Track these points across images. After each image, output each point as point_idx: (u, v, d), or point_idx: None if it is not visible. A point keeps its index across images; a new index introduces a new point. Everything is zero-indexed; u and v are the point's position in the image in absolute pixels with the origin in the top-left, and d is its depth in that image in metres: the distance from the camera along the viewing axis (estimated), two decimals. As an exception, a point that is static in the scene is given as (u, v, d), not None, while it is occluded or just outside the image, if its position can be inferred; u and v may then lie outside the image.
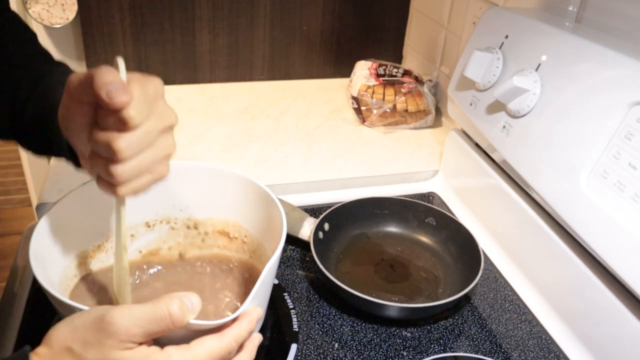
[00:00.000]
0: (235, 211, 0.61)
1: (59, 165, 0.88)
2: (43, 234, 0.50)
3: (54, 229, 0.52)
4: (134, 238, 0.61)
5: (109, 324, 0.38)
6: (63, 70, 0.55)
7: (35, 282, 0.65)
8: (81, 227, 0.56)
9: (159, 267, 0.62)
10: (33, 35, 0.60)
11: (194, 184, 0.61)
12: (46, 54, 0.59)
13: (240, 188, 0.60)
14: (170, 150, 0.45)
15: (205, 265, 0.63)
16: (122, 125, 0.40)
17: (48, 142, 0.53)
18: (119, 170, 0.42)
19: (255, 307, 0.44)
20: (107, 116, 0.40)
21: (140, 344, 0.39)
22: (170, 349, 0.40)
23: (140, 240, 0.62)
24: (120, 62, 0.41)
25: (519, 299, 0.71)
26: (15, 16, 0.60)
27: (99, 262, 0.58)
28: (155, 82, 0.43)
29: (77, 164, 0.52)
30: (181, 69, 1.17)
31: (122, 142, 0.40)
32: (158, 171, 0.45)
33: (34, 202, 1.46)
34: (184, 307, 0.39)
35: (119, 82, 0.39)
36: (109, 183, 0.43)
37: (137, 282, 0.60)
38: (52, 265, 0.51)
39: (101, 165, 0.42)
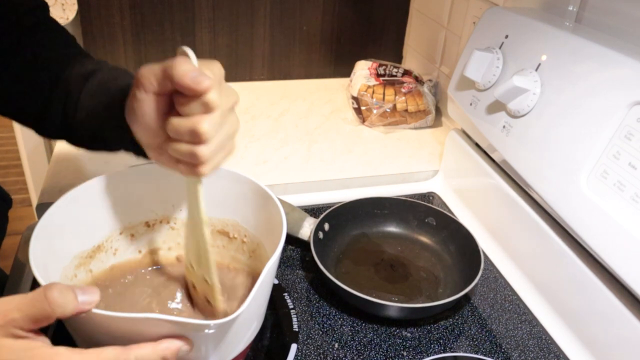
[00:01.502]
0: (234, 211, 0.61)
1: (59, 165, 0.88)
2: (43, 234, 0.50)
3: (53, 229, 0.52)
4: (133, 238, 0.61)
5: None
6: (108, 67, 0.58)
7: (35, 282, 0.65)
8: (80, 227, 0.56)
9: (159, 267, 0.62)
10: (74, 39, 0.63)
11: None
12: (88, 55, 0.61)
13: (240, 187, 0.60)
14: (236, 126, 0.49)
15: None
16: (205, 109, 0.43)
17: (103, 139, 0.56)
18: (205, 150, 0.44)
19: (181, 341, 0.42)
20: (189, 102, 0.43)
21: (30, 332, 0.39)
22: (61, 348, 0.39)
23: (140, 240, 0.62)
24: (189, 50, 0.44)
25: (519, 299, 0.71)
26: (56, 22, 0.62)
27: (99, 263, 0.58)
28: (217, 64, 0.46)
29: (137, 153, 0.55)
30: (181, 69, 1.17)
31: (206, 124, 0.43)
32: (229, 147, 0.48)
33: (34, 202, 1.46)
34: (68, 294, 0.39)
35: (198, 69, 0.42)
36: (190, 164, 0.45)
37: (131, 280, 0.60)
38: (52, 266, 0.51)
39: (184, 149, 0.44)
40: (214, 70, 0.44)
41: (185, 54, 0.44)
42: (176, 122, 0.44)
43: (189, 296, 0.58)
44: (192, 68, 0.42)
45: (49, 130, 0.59)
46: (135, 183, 0.59)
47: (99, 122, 0.54)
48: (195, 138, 0.43)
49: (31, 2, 0.60)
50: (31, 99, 0.57)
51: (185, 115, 0.43)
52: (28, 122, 0.60)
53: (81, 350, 0.39)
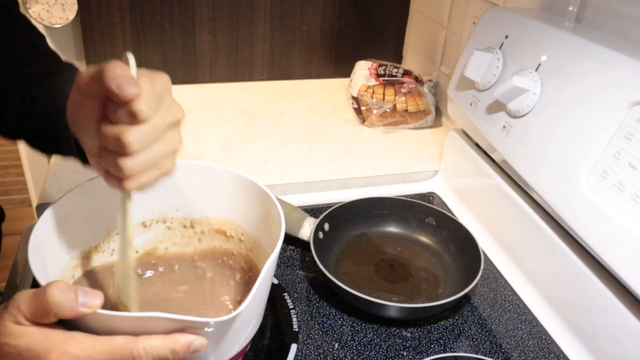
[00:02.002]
0: (231, 209, 0.61)
1: (59, 165, 0.88)
2: (41, 235, 0.50)
3: (51, 229, 0.52)
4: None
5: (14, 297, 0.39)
6: (70, 69, 0.56)
7: (35, 282, 0.65)
8: (78, 227, 0.56)
9: (158, 268, 0.62)
10: (41, 37, 0.61)
11: (190, 182, 0.61)
12: (54, 55, 0.59)
13: (236, 186, 0.60)
14: (177, 145, 0.46)
15: (203, 264, 0.63)
16: (132, 119, 0.41)
17: (56, 141, 0.54)
18: (128, 163, 0.42)
19: (194, 335, 0.42)
20: (117, 110, 0.41)
21: (35, 325, 0.39)
22: (74, 332, 0.39)
23: (136, 240, 0.62)
24: (131, 57, 0.42)
25: (519, 299, 0.71)
26: (24, 18, 0.61)
27: (97, 263, 0.58)
28: (163, 77, 0.44)
29: (84, 161, 0.53)
30: (181, 69, 1.17)
31: (132, 135, 0.41)
32: (165, 166, 0.46)
33: (34, 202, 1.46)
34: (68, 294, 0.39)
35: (129, 75, 0.40)
36: (117, 177, 0.44)
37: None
38: (51, 266, 0.51)
39: (110, 160, 0.43)
40: (155, 82, 0.42)
41: (127, 60, 0.42)
42: (104, 128, 0.42)
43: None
44: (123, 74, 0.40)
45: (6, 130, 0.57)
46: None
47: (51, 124, 0.52)
48: (120, 148, 0.41)
49: None
50: None
51: (114, 123, 0.41)
52: None
53: (92, 335, 0.40)
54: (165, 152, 0.45)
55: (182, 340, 0.41)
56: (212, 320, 0.42)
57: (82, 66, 1.14)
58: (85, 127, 0.44)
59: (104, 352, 0.39)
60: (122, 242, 0.49)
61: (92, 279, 0.57)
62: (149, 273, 0.62)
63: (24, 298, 0.39)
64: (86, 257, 0.57)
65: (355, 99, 1.07)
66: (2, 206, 0.76)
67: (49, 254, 0.51)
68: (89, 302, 0.39)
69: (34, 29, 0.61)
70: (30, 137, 0.57)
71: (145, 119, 0.41)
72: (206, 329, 0.43)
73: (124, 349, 0.39)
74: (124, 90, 0.39)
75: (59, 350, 0.38)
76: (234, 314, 0.42)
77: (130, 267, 0.49)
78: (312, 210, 0.82)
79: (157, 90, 0.42)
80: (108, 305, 0.55)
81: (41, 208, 0.78)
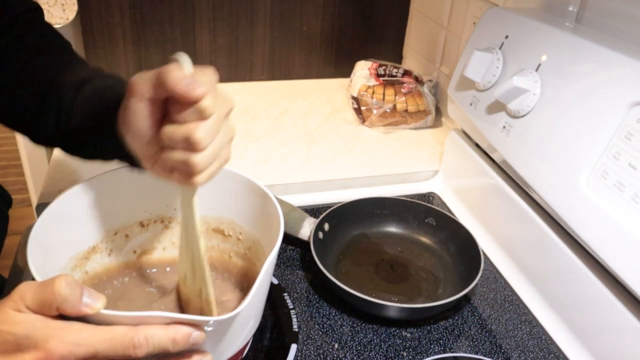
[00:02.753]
0: (229, 209, 0.61)
1: (58, 165, 0.88)
2: (40, 236, 0.50)
3: (50, 229, 0.52)
4: (128, 238, 0.61)
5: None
6: (103, 74, 0.57)
7: (35, 282, 0.65)
8: (76, 228, 0.56)
9: (156, 268, 0.62)
10: (68, 44, 0.62)
11: None
12: (83, 62, 0.60)
13: (234, 185, 0.60)
14: (232, 133, 0.48)
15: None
16: (200, 116, 0.42)
17: (97, 147, 0.55)
18: (200, 159, 0.43)
19: (197, 329, 0.42)
20: (183, 110, 0.42)
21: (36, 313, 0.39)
22: (75, 322, 0.39)
23: (134, 240, 0.62)
24: (185, 57, 0.43)
25: (518, 299, 0.71)
26: (51, 27, 0.62)
27: (94, 264, 0.58)
28: (211, 71, 0.45)
29: (132, 164, 0.54)
30: (181, 69, 1.17)
31: (201, 132, 0.42)
32: (225, 155, 0.48)
33: (34, 202, 1.46)
34: (75, 290, 0.39)
35: (191, 76, 0.42)
36: (186, 174, 0.45)
37: (124, 281, 0.60)
38: (49, 266, 0.51)
39: (178, 158, 0.44)
40: (208, 76, 0.44)
41: (177, 61, 0.43)
42: (170, 129, 0.43)
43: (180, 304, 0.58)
44: (185, 75, 0.41)
45: (42, 138, 0.58)
46: (129, 183, 0.58)
47: (92, 131, 0.53)
48: (190, 146, 0.43)
49: (25, 4, 0.60)
50: (24, 105, 0.56)
51: (179, 123, 0.43)
52: (21, 128, 0.59)
53: (92, 325, 0.40)
54: (225, 141, 0.46)
55: (182, 330, 0.41)
56: (211, 318, 0.42)
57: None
58: (139, 132, 0.45)
59: (104, 341, 0.39)
60: (193, 238, 0.49)
61: (90, 280, 0.57)
62: (147, 273, 0.62)
63: (29, 287, 0.40)
64: (84, 258, 0.57)
65: (355, 99, 1.07)
66: (7, 191, 0.76)
67: (48, 254, 0.51)
68: (92, 304, 0.40)
69: (60, 36, 0.62)
70: (67, 145, 0.58)
71: (211, 115, 0.43)
72: (206, 327, 0.43)
73: (124, 338, 0.39)
74: (193, 92, 0.41)
75: (58, 338, 0.38)
76: (233, 313, 0.42)
77: (205, 260, 0.50)
78: (312, 210, 0.82)
79: (211, 83, 0.44)
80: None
81: (41, 208, 0.78)
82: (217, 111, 0.44)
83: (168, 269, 0.63)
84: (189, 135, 0.42)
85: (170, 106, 0.43)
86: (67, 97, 0.54)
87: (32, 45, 0.58)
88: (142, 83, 0.43)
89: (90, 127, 0.53)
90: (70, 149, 0.58)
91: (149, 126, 0.44)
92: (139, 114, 0.44)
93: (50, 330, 0.38)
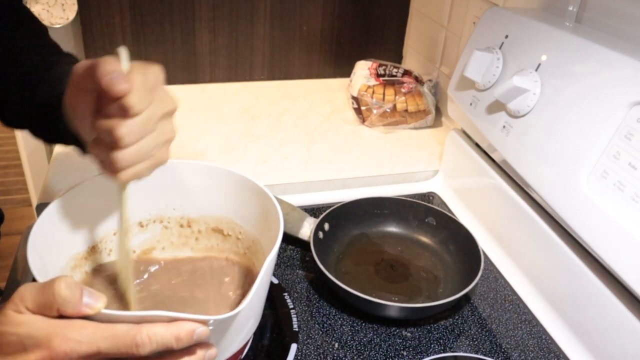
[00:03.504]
0: (229, 208, 0.61)
1: (59, 165, 0.88)
2: (40, 234, 0.50)
3: (50, 228, 0.52)
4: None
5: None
6: (70, 60, 0.57)
7: (34, 282, 0.65)
8: (76, 228, 0.56)
9: (155, 268, 0.62)
10: (43, 29, 0.62)
11: (186, 182, 0.61)
12: (55, 46, 0.61)
13: (233, 184, 0.60)
14: (170, 135, 0.47)
15: (200, 263, 0.63)
16: (124, 113, 0.42)
17: (57, 130, 0.55)
18: (121, 156, 0.43)
19: (200, 325, 0.42)
20: (110, 104, 0.42)
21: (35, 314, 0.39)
22: (77, 320, 0.39)
23: (133, 240, 0.62)
24: (123, 51, 0.43)
25: (519, 298, 0.71)
26: (27, 10, 0.62)
27: (95, 264, 0.58)
28: (155, 69, 0.44)
29: (84, 151, 0.55)
30: (181, 69, 1.17)
31: (124, 128, 0.42)
32: (159, 156, 0.47)
33: (34, 202, 1.46)
34: (75, 291, 0.39)
35: (120, 71, 0.41)
36: (111, 168, 0.45)
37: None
38: (50, 265, 0.51)
39: (104, 151, 0.44)
40: (147, 75, 0.43)
41: (117, 54, 0.43)
42: (98, 122, 0.43)
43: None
44: (114, 69, 0.41)
45: (9, 119, 0.59)
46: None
47: (52, 114, 0.54)
48: (113, 141, 0.42)
49: None
50: None
51: (108, 117, 0.43)
52: None
53: (94, 322, 0.40)
54: (159, 142, 0.46)
55: (185, 327, 0.41)
56: (212, 317, 0.42)
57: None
58: (82, 119, 0.45)
59: (106, 338, 0.39)
60: (120, 232, 0.50)
61: (90, 279, 0.57)
62: (147, 273, 0.62)
63: (29, 289, 0.40)
64: (83, 258, 0.57)
65: (355, 98, 1.07)
66: (0, 208, 0.76)
67: (48, 254, 0.51)
68: (92, 304, 0.40)
69: (36, 20, 0.62)
70: (32, 127, 0.58)
71: (137, 113, 0.42)
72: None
73: (127, 336, 0.39)
74: (114, 87, 0.40)
75: (61, 336, 0.38)
76: (234, 311, 0.43)
77: (129, 255, 0.50)
78: (312, 210, 0.82)
79: (149, 83, 0.43)
80: (113, 307, 0.55)
81: (41, 208, 0.78)
82: (149, 110, 0.43)
83: (166, 269, 0.63)
84: (111, 130, 0.42)
85: (101, 97, 0.43)
86: (33, 80, 0.55)
87: (4, 28, 0.58)
88: (80, 71, 0.43)
89: (50, 110, 0.54)
90: (35, 132, 0.59)
91: (88, 113, 0.44)
92: (78, 101, 0.44)
93: (52, 328, 0.38)
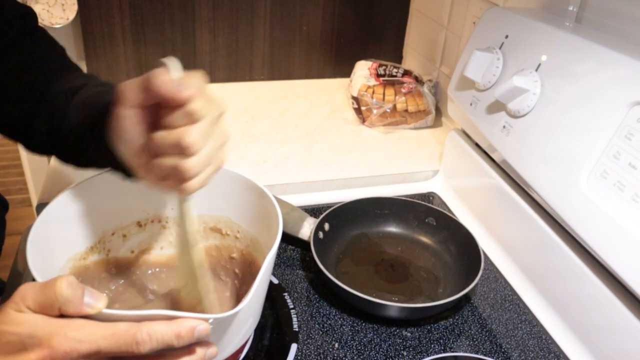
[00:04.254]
0: (226, 207, 0.61)
1: (59, 165, 0.88)
2: (39, 234, 0.50)
3: (49, 228, 0.52)
4: (125, 238, 0.61)
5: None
6: (96, 82, 0.56)
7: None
8: (74, 228, 0.56)
9: (154, 268, 0.62)
10: (62, 50, 0.61)
11: None
12: (77, 68, 0.60)
13: (230, 183, 0.60)
14: (225, 137, 0.47)
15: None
16: (190, 119, 0.42)
17: (89, 156, 0.54)
18: (192, 164, 0.43)
19: (202, 322, 0.42)
20: (172, 114, 0.42)
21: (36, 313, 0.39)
22: (78, 319, 0.39)
23: (131, 240, 0.62)
24: (171, 61, 0.43)
25: (519, 298, 0.71)
26: (44, 32, 0.61)
27: (93, 264, 0.58)
28: (199, 75, 0.44)
29: (125, 173, 0.53)
30: (181, 69, 1.17)
31: (192, 136, 0.42)
32: (218, 160, 0.47)
33: (34, 202, 1.46)
34: (76, 290, 0.39)
35: (179, 78, 0.41)
36: (179, 180, 0.44)
37: (121, 283, 0.60)
38: (48, 265, 0.51)
39: (170, 164, 0.43)
40: (196, 79, 0.43)
41: (166, 65, 0.43)
42: (161, 135, 0.42)
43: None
44: (172, 78, 0.41)
45: (35, 146, 0.57)
46: (127, 182, 0.58)
47: (84, 139, 0.52)
48: (181, 150, 0.42)
49: (18, 10, 0.59)
50: (16, 112, 0.55)
51: (169, 128, 0.42)
52: (14, 136, 0.58)
53: (94, 321, 0.40)
54: (217, 146, 0.46)
55: (186, 325, 0.41)
56: (211, 316, 0.42)
57: (82, 66, 1.14)
58: (129, 141, 0.44)
59: (106, 337, 0.39)
60: (187, 247, 0.49)
61: (88, 279, 0.57)
62: (146, 272, 0.62)
63: (30, 289, 0.39)
64: (82, 258, 0.57)
65: (355, 99, 1.07)
66: (4, 196, 0.76)
67: (47, 254, 0.51)
68: (94, 303, 0.40)
69: (54, 42, 0.61)
70: (60, 152, 0.57)
71: (202, 117, 0.42)
72: None
73: (127, 334, 0.39)
74: (181, 94, 0.40)
75: (61, 335, 0.38)
76: (233, 311, 0.43)
77: (199, 267, 0.49)
78: (312, 210, 0.82)
79: (200, 87, 0.43)
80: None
81: (41, 208, 0.78)
82: (208, 115, 0.43)
83: (165, 269, 0.63)
84: (180, 140, 0.41)
85: (160, 111, 0.42)
86: (60, 105, 0.53)
87: (25, 50, 0.57)
88: (130, 89, 0.43)
89: (82, 136, 0.52)
90: (63, 157, 0.57)
91: (139, 134, 0.44)
92: (128, 122, 0.44)
93: (53, 327, 0.38)
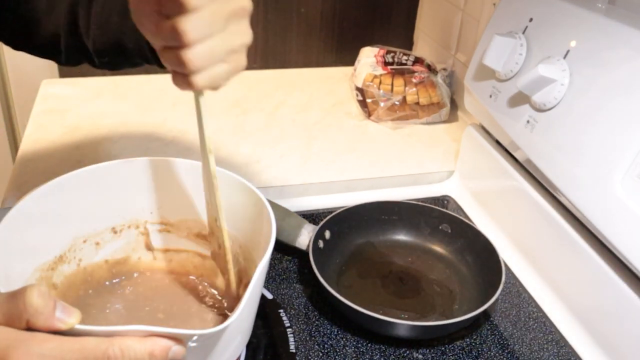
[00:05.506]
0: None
1: (24, 166, 0.88)
2: (2, 243, 0.50)
3: (12, 235, 0.52)
4: (98, 246, 0.61)
5: None
6: None
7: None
8: (39, 235, 0.56)
9: (130, 279, 0.62)
10: None
11: (164, 182, 0.61)
12: None
13: (219, 185, 0.60)
14: (245, 38, 0.49)
15: (182, 272, 0.63)
16: (179, 8, 0.42)
17: (122, 48, 0.60)
18: (190, 54, 0.44)
19: (176, 342, 0.42)
20: (166, 2, 0.43)
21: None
22: (38, 333, 0.39)
23: (105, 248, 0.62)
24: None
25: (544, 316, 0.71)
26: None
27: (61, 276, 0.58)
28: None
29: (159, 63, 0.57)
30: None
31: (186, 24, 0.42)
32: (234, 60, 0.48)
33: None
34: (48, 302, 0.39)
35: None
36: (183, 76, 0.45)
37: (90, 294, 0.60)
38: (13, 277, 0.51)
39: (173, 57, 0.44)
40: None
41: None
42: (161, 24, 0.44)
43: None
44: None
45: (66, 54, 0.63)
46: (100, 183, 0.58)
47: (113, 32, 0.58)
48: (177, 40, 0.43)
49: None
50: (42, 21, 0.62)
51: (169, 17, 0.43)
52: (43, 49, 0.65)
53: (59, 335, 0.39)
54: (232, 44, 0.47)
55: (160, 343, 0.41)
56: (197, 332, 0.42)
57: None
58: (148, 25, 0.46)
59: (74, 351, 0.39)
60: (202, 149, 0.52)
61: (57, 294, 0.57)
62: (122, 285, 0.62)
63: None
64: (50, 269, 0.57)
65: (359, 90, 1.07)
66: None
67: (11, 263, 0.51)
68: (65, 319, 0.40)
69: None
70: (92, 55, 0.63)
71: (194, 7, 0.42)
72: (190, 342, 0.43)
73: (97, 349, 0.39)
74: None
75: (22, 349, 0.38)
76: (221, 326, 0.43)
77: (214, 176, 0.51)
78: (311, 216, 0.82)
79: None
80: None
81: (3, 213, 0.78)
82: (213, 6, 0.44)
83: (140, 280, 0.63)
84: (173, 27, 0.43)
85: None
86: (84, 4, 0.60)
87: None
88: None
89: (111, 29, 0.59)
90: (97, 59, 0.64)
91: (153, 18, 0.45)
92: (140, 5, 0.45)
93: (12, 340, 0.38)
